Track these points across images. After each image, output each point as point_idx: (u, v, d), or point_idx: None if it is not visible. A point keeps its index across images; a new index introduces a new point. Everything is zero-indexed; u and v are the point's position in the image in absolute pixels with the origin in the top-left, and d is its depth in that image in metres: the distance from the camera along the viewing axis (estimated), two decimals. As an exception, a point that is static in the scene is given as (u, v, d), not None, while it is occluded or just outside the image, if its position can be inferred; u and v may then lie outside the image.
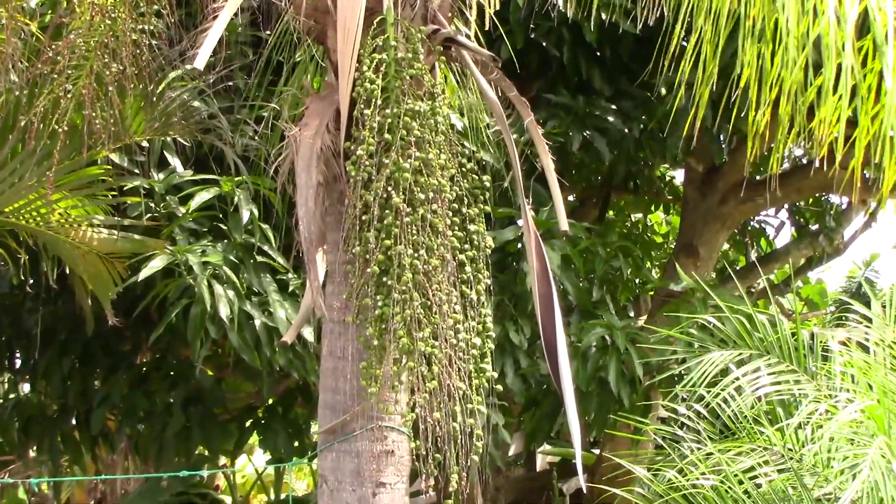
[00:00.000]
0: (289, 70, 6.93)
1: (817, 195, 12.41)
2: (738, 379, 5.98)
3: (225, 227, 7.89)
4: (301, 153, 4.51)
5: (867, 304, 6.35)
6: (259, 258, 7.87)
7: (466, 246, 4.54)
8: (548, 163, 4.89)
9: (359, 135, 4.42)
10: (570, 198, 12.11)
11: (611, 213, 13.04)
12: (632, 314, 10.40)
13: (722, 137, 9.89)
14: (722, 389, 5.95)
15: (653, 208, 13.61)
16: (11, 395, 9.80)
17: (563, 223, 4.92)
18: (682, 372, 7.69)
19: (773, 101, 4.56)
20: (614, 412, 8.32)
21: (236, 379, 10.41)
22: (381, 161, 4.35)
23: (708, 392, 6.04)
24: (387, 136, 4.37)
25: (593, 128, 9.42)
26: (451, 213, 4.50)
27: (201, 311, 7.42)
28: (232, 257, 7.70)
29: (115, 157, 7.43)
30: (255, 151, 7.70)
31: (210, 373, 9.65)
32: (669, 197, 13.14)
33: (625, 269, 9.31)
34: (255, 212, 7.68)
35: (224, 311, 7.39)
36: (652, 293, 10.92)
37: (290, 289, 7.98)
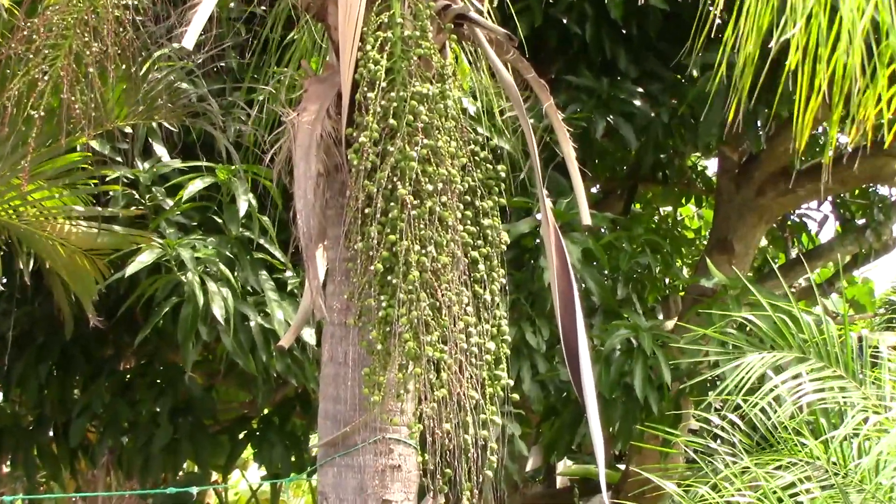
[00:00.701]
0: (285, 50, 6.94)
1: (864, 186, 12.37)
2: (777, 386, 5.95)
3: (218, 220, 7.90)
4: (299, 140, 4.51)
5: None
6: (256, 254, 7.88)
7: (479, 242, 4.54)
8: (568, 150, 4.89)
9: (361, 120, 4.42)
10: (593, 189, 12.09)
11: (637, 205, 13.02)
12: (660, 316, 10.39)
13: (759, 123, 9.86)
14: (760, 398, 5.93)
15: (683, 201, 13.58)
16: (-17, 405, 9.85)
17: (585, 215, 4.92)
18: (716, 377, 7.68)
19: (819, 85, 4.55)
20: (641, 422, 8.32)
21: (229, 387, 10.44)
22: (385, 149, 4.35)
23: (745, 400, 6.02)
24: (392, 121, 4.37)
25: (618, 112, 9.40)
26: (462, 206, 4.50)
27: (192, 311, 7.43)
28: (227, 252, 7.71)
29: (95, 145, 7.45)
30: (249, 138, 7.71)
31: (200, 380, 9.67)
32: (702, 188, 13.12)
33: (653, 265, 9.29)
34: (254, 202, 7.68)
35: (218, 312, 7.40)
36: (682, 293, 10.91)
37: (289, 288, 7.99)
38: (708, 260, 9.44)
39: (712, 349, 7.42)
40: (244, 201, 7.63)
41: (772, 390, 5.94)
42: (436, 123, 4.41)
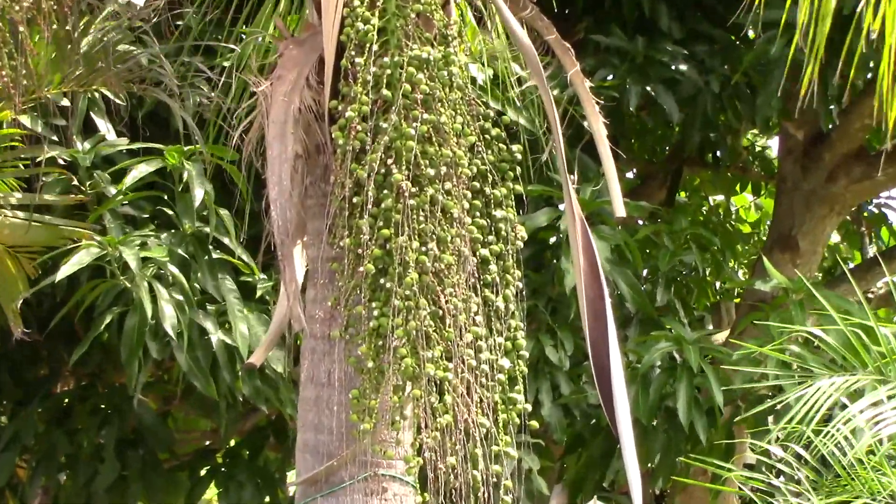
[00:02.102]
0: (257, 6, 6.94)
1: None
2: (853, 416, 5.95)
3: (171, 213, 7.90)
4: (273, 115, 4.52)
5: None
6: (217, 253, 7.88)
7: (490, 237, 4.55)
8: (598, 126, 4.89)
9: (348, 91, 4.43)
10: (629, 174, 12.09)
11: (682, 193, 13.01)
12: (710, 327, 10.39)
13: (830, 94, 9.86)
14: (831, 427, 5.93)
15: (738, 188, 13.57)
16: None
17: (619, 206, 4.92)
18: (775, 399, 7.66)
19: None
20: (686, 454, 8.31)
21: (187, 413, 10.44)
22: (377, 125, 4.36)
23: (814, 431, 6.02)
24: (385, 92, 4.37)
25: (658, 80, 9.40)
26: (469, 195, 4.50)
27: (139, 322, 7.44)
28: (181, 251, 7.71)
29: (25, 120, 7.44)
30: (212, 113, 7.69)
31: (153, 405, 9.67)
32: (760, 173, 13.10)
33: (700, 266, 9.29)
34: (212, 192, 7.68)
35: (170, 323, 7.41)
36: (737, 300, 10.90)
37: (258, 294, 7.99)
38: (765, 259, 9.42)
39: (772, 369, 7.41)
40: (201, 190, 7.63)
41: (847, 421, 5.94)
42: (438, 95, 4.42)
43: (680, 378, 8.39)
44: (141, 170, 7.65)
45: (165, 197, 7.98)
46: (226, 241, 7.86)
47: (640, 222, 9.49)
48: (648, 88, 9.38)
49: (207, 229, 7.79)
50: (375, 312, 4.25)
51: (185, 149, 7.66)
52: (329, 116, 4.57)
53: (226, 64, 7.18)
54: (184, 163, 7.68)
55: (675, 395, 8.36)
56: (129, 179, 7.62)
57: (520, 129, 7.21)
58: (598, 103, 4.94)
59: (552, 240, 8.91)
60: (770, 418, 7.67)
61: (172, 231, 7.86)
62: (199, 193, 7.63)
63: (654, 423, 8.44)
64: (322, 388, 4.65)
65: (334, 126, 4.45)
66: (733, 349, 8.32)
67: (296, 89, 4.59)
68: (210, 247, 7.87)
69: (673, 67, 9.43)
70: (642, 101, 9.33)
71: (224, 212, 7.75)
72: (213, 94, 7.36)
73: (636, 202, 9.15)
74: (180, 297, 7.54)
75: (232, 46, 7.00)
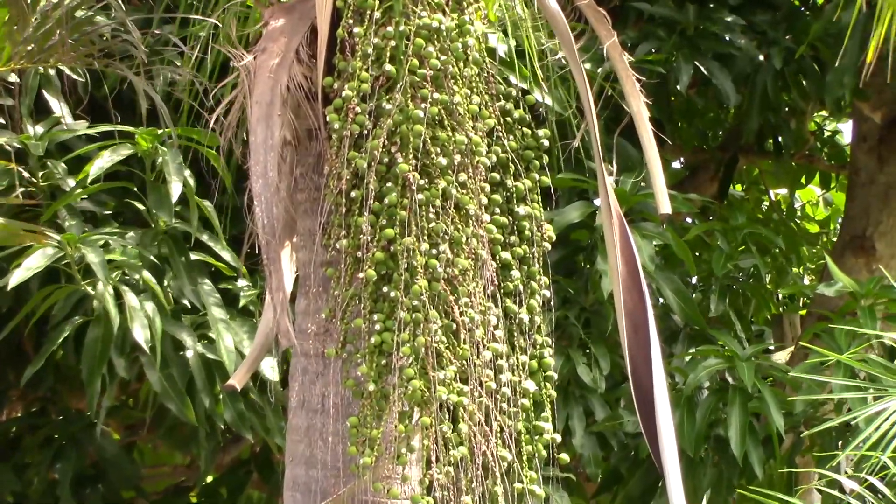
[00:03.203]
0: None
1: None
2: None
3: (141, 208, 7.88)
4: (257, 95, 4.53)
5: None
6: (195, 255, 7.87)
7: (513, 238, 4.56)
8: (639, 108, 4.89)
9: (346, 66, 4.44)
10: (676, 163, 12.08)
11: (738, 186, 13.00)
12: (771, 342, 10.39)
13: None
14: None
15: (804, 180, 13.56)
16: None
17: (664, 200, 4.92)
18: (841, 420, 7.64)
19: None
20: (741, 488, 8.30)
21: (156, 445, 10.44)
22: (379, 106, 4.37)
23: (891, 458, 6.03)
24: (389, 67, 4.38)
25: (711, 54, 9.40)
26: (488, 188, 4.51)
27: (103, 335, 7.43)
28: (153, 253, 7.70)
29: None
30: (186, 92, 7.68)
31: (116, 435, 9.69)
32: (830, 163, 13.08)
33: (761, 270, 9.29)
34: (192, 182, 7.64)
35: (140, 336, 7.38)
36: (804, 311, 10.89)
37: (242, 303, 8.00)
38: (830, 262, 9.39)
39: (837, 381, 7.36)
40: (177, 181, 7.61)
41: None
42: (450, 70, 4.43)
43: (732, 401, 8.37)
44: (107, 158, 7.57)
45: (135, 189, 7.92)
46: (205, 239, 7.82)
47: (689, 220, 9.48)
48: (700, 64, 9.37)
49: (184, 226, 7.76)
50: (377, 326, 4.26)
51: (160, 132, 7.58)
52: (323, 96, 4.58)
53: (201, 34, 7.18)
54: (158, 148, 7.64)
55: (727, 421, 8.34)
56: (94, 169, 7.51)
57: (547, 111, 7.23)
58: (639, 81, 4.94)
59: (588, 240, 8.90)
60: (842, 449, 7.65)
61: (143, 229, 7.84)
62: (176, 186, 7.57)
63: (704, 454, 8.43)
64: (315, 415, 4.66)
65: (329, 107, 4.46)
66: (797, 366, 8.31)
67: (283, 64, 4.59)
68: (188, 247, 7.84)
69: (728, 40, 9.42)
70: (693, 79, 9.32)
71: (207, 205, 7.67)
72: (186, 69, 7.36)
73: (684, 196, 9.15)
74: (152, 306, 7.52)
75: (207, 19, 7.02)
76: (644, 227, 8.60)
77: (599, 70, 7.39)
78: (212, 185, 7.39)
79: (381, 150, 4.30)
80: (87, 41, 6.99)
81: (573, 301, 8.78)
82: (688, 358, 8.63)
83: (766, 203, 13.63)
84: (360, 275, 4.28)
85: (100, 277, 7.32)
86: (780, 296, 10.57)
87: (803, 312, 10.90)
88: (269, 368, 7.70)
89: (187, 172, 7.64)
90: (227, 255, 7.88)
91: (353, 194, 4.34)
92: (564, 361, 8.49)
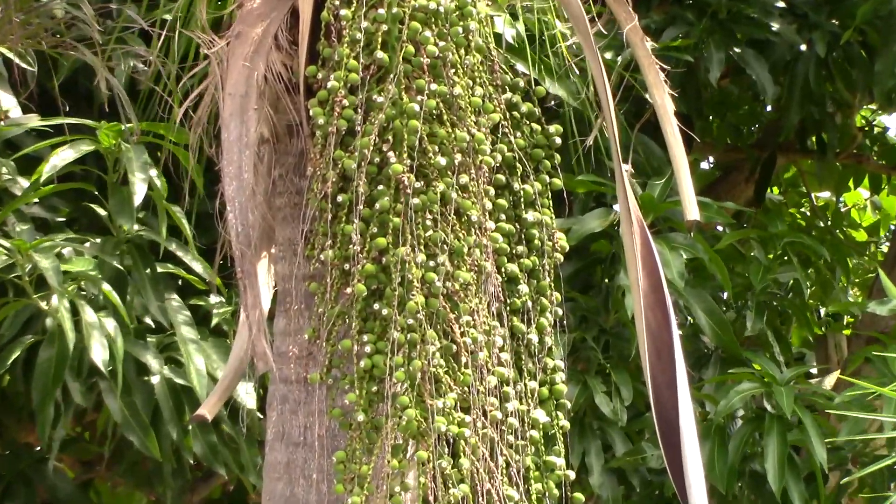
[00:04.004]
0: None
1: None
2: None
3: (101, 213, 7.86)
4: (231, 86, 4.53)
5: None
6: (162, 267, 7.86)
7: (520, 248, 4.56)
8: (664, 101, 4.90)
9: (331, 53, 4.44)
10: (704, 163, 12.08)
11: (776, 190, 13.00)
12: (813, 366, 10.39)
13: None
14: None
15: (851, 183, 13.57)
16: None
17: (691, 206, 4.92)
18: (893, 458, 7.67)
19: None
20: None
21: (117, 482, 10.45)
22: (370, 99, 4.37)
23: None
24: (380, 55, 4.39)
25: (745, 40, 9.41)
26: (492, 191, 4.52)
27: (58, 356, 7.42)
28: (114, 263, 7.68)
29: None
30: (149, 82, 7.68)
31: (71, 472, 9.68)
32: (879, 163, 13.09)
33: (802, 284, 9.28)
34: (159, 184, 7.61)
35: (99, 358, 7.37)
36: (848, 331, 10.89)
37: (214, 321, 8.00)
38: (883, 275, 9.39)
39: (888, 418, 7.38)
40: (142, 181, 7.59)
41: None
42: (450, 58, 4.43)
43: (769, 431, 8.35)
44: (64, 155, 7.54)
45: (95, 192, 7.89)
46: (173, 249, 7.80)
47: (722, 228, 9.48)
48: (733, 52, 9.37)
49: (149, 234, 7.74)
50: (368, 348, 4.25)
51: (125, 127, 7.55)
52: (305, 87, 4.58)
53: (167, 17, 7.18)
54: (121, 145, 7.62)
55: (763, 454, 8.34)
56: (48, 169, 7.48)
57: (561, 105, 7.24)
58: (663, 70, 4.95)
59: (605, 252, 8.91)
60: (893, 486, 7.66)
61: (103, 236, 7.81)
62: (140, 188, 7.53)
63: (736, 492, 8.43)
64: (296, 448, 4.66)
65: (312, 100, 4.46)
66: (842, 393, 8.30)
67: (260, 51, 4.59)
68: (153, 257, 7.82)
69: (765, 24, 9.43)
70: (725, 68, 9.33)
71: (178, 209, 7.63)
72: (150, 57, 7.36)
73: (715, 201, 9.14)
74: (112, 323, 7.51)
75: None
76: (671, 237, 8.58)
77: (619, 58, 7.39)
78: (181, 188, 7.39)
79: (371, 148, 4.30)
80: (39, 26, 7.00)
81: (591, 320, 8.78)
82: (720, 382, 8.61)
83: (808, 208, 13.63)
84: (348, 290, 4.28)
85: (54, 289, 7.28)
86: (824, 313, 10.57)
87: (849, 333, 10.90)
88: (245, 394, 7.69)
89: (153, 173, 7.62)
90: (198, 266, 7.88)
91: (339, 199, 4.34)
92: (580, 389, 8.49)
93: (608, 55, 7.78)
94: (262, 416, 7.04)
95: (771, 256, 9.20)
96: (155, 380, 7.73)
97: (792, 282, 9.27)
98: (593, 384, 8.57)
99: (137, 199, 7.54)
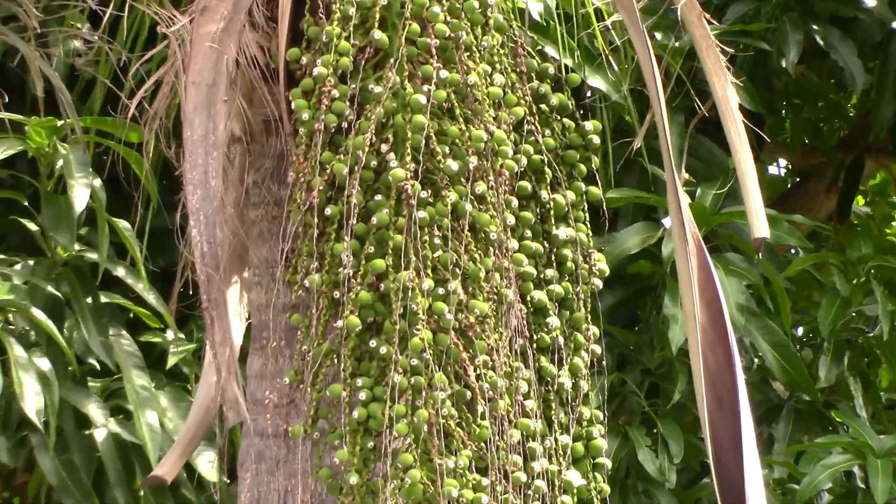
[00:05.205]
0: None
1: None
2: None
3: (33, 228, 7.88)
4: (195, 73, 4.53)
5: None
6: (106, 296, 7.87)
7: (549, 272, 4.55)
8: (726, 94, 4.89)
9: (318, 33, 4.43)
10: (774, 168, 12.10)
11: (861, 200, 13.00)
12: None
13: None
14: None
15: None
16: None
17: (759, 221, 4.90)
18: None
19: None
20: None
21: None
22: (365, 89, 4.36)
23: None
24: (378, 35, 4.37)
25: (827, 19, 9.42)
26: (515, 202, 4.50)
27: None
28: (49, 289, 7.69)
29: None
30: (97, 70, 7.70)
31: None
32: None
33: (892, 318, 9.28)
34: (104, 195, 7.63)
35: (31, 407, 7.38)
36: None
37: (170, 362, 8.00)
38: None
39: None
40: (84, 187, 7.59)
41: None
42: (464, 39, 4.42)
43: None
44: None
45: (25, 202, 7.93)
46: (121, 274, 7.81)
47: (794, 250, 9.48)
48: (815, 31, 9.38)
49: (91, 254, 7.76)
50: (362, 395, 4.25)
51: (59, 123, 7.58)
52: (287, 74, 4.57)
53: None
54: (57, 145, 7.64)
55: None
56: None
57: (599, 98, 7.24)
58: (726, 55, 4.93)
59: (650, 277, 8.90)
60: None
61: (35, 257, 7.84)
62: (82, 195, 7.54)
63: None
64: (274, 518, 4.66)
65: (295, 90, 4.45)
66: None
67: (231, 30, 4.58)
68: (95, 282, 7.83)
69: (852, 1, 9.44)
70: (803, 53, 9.33)
71: (125, 224, 7.65)
72: (95, 40, 7.38)
73: (788, 215, 9.13)
74: (47, 364, 7.52)
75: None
76: (732, 259, 8.59)
77: (671, 42, 7.40)
78: (131, 198, 7.38)
79: (367, 149, 4.29)
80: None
81: (634, 360, 8.78)
82: (800, 451, 8.59)
83: (900, 224, 13.67)
84: (338, 323, 4.27)
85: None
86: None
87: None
88: (206, 463, 7.68)
89: (98, 182, 7.63)
90: (151, 296, 7.88)
91: (328, 211, 4.33)
92: (621, 443, 8.49)
93: (658, 36, 7.80)
94: (230, 481, 7.02)
95: (854, 284, 9.17)
96: (99, 434, 7.73)
97: (883, 312, 9.24)
98: (636, 437, 8.56)
99: (77, 211, 7.53)
